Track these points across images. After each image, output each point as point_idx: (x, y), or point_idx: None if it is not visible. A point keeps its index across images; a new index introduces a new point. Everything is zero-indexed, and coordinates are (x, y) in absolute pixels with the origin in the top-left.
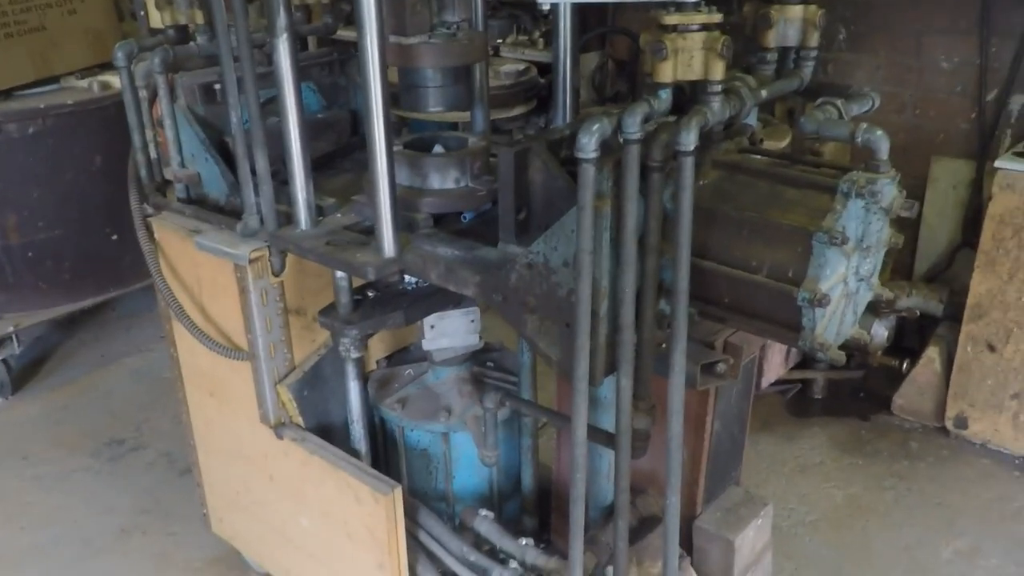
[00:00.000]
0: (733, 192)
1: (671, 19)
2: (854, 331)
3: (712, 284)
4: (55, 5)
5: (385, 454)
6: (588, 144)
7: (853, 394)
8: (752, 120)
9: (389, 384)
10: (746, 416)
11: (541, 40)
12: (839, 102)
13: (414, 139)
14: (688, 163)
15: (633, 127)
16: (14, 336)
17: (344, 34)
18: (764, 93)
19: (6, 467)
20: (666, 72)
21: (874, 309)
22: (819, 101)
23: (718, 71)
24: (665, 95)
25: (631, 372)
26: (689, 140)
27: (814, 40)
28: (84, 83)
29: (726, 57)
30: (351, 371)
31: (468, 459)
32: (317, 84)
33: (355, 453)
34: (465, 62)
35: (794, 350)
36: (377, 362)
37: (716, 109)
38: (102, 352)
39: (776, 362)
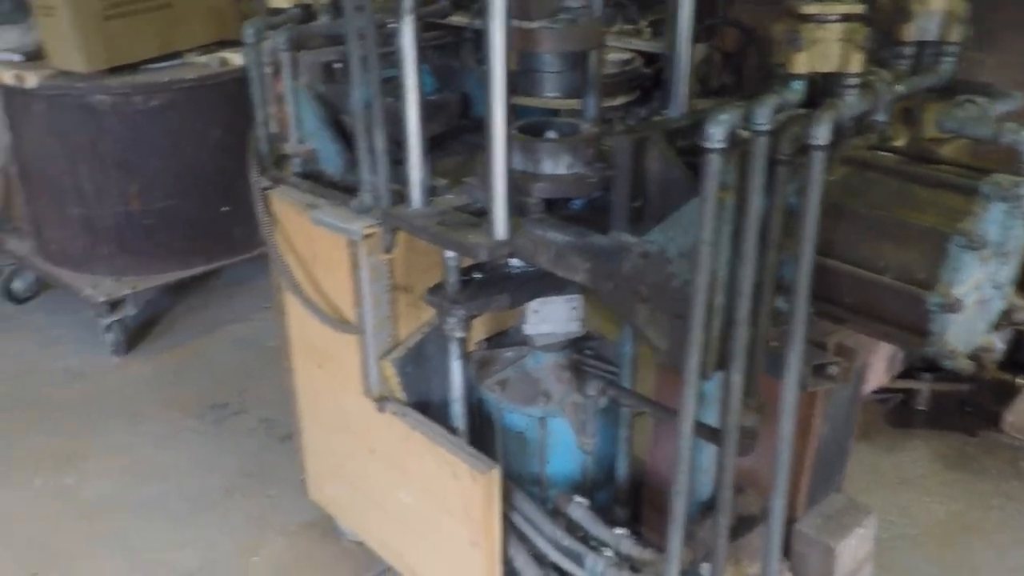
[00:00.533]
0: (862, 189)
1: (810, 8)
2: (983, 340)
3: (834, 283)
4: None
5: (482, 435)
6: (716, 134)
7: (959, 408)
8: (884, 117)
9: (489, 366)
10: (853, 421)
11: (648, 30)
12: (981, 100)
13: (526, 124)
14: (819, 158)
15: (763, 118)
16: (131, 298)
17: (455, 19)
18: (901, 88)
19: (119, 423)
20: (801, 63)
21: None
22: (960, 98)
23: (856, 63)
24: (799, 86)
25: (743, 368)
26: (821, 134)
27: (956, 35)
28: (204, 59)
29: (865, 49)
30: (455, 350)
31: (563, 445)
32: (431, 66)
33: (454, 431)
34: (584, 47)
35: (898, 358)
36: (477, 343)
37: (851, 103)
38: (208, 318)
39: (879, 369)
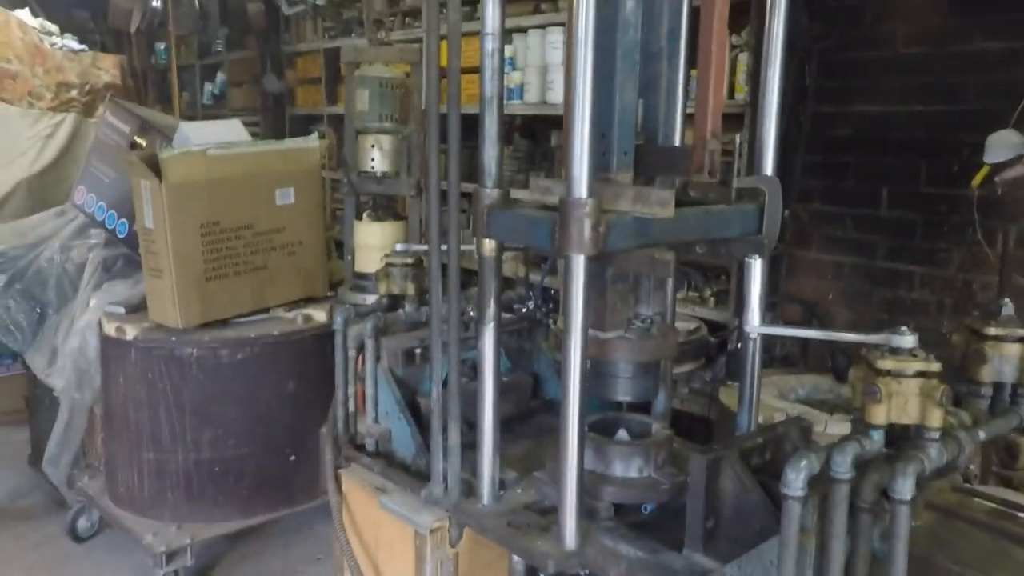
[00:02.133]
0: (950, 540)
1: (885, 364)
2: None
3: None
4: (279, 248)
5: None
6: (795, 481)
7: None
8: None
9: None
10: None
11: (712, 299)
12: None
13: (597, 420)
14: (904, 511)
15: (843, 466)
16: (189, 548)
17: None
18: (982, 435)
19: None
20: (879, 415)
21: None
22: None
23: (936, 419)
24: (877, 436)
25: None
26: (905, 489)
27: None
28: (291, 315)
29: (944, 406)
30: None
31: None
32: (505, 348)
33: None
34: (656, 358)
35: None
36: None
37: (933, 456)
38: (260, 569)
39: None
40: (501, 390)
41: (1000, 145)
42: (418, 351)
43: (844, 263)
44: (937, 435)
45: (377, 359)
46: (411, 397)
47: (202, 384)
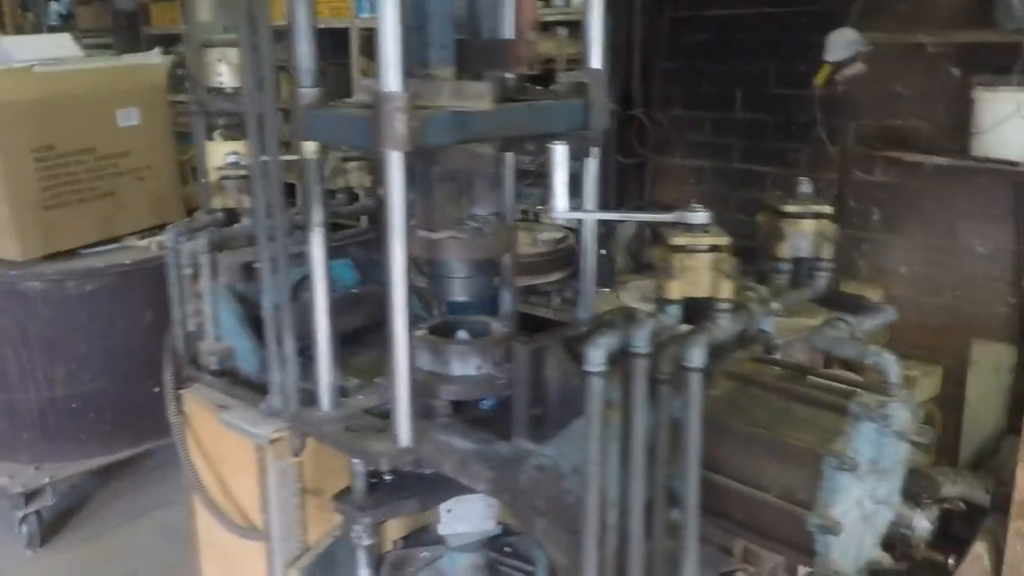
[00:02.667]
0: (744, 405)
1: (679, 240)
2: (876, 554)
3: (725, 499)
4: (127, 173)
5: None
6: (596, 357)
7: None
8: (770, 326)
9: (403, 568)
10: None
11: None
12: (849, 319)
13: (439, 323)
14: (696, 379)
15: (640, 341)
16: (49, 488)
17: None
18: (776, 305)
19: None
20: (674, 290)
21: (915, 499)
22: (828, 318)
23: (725, 290)
24: (674, 311)
25: None
26: (696, 357)
27: (827, 252)
28: (144, 243)
29: (733, 277)
30: (362, 558)
31: None
32: (354, 260)
33: None
34: (490, 256)
35: None
36: (394, 542)
37: (724, 326)
38: (134, 503)
39: None
40: (350, 301)
41: (839, 43)
42: (258, 266)
43: (704, 167)
44: (727, 306)
45: (214, 276)
46: (254, 313)
47: (49, 319)
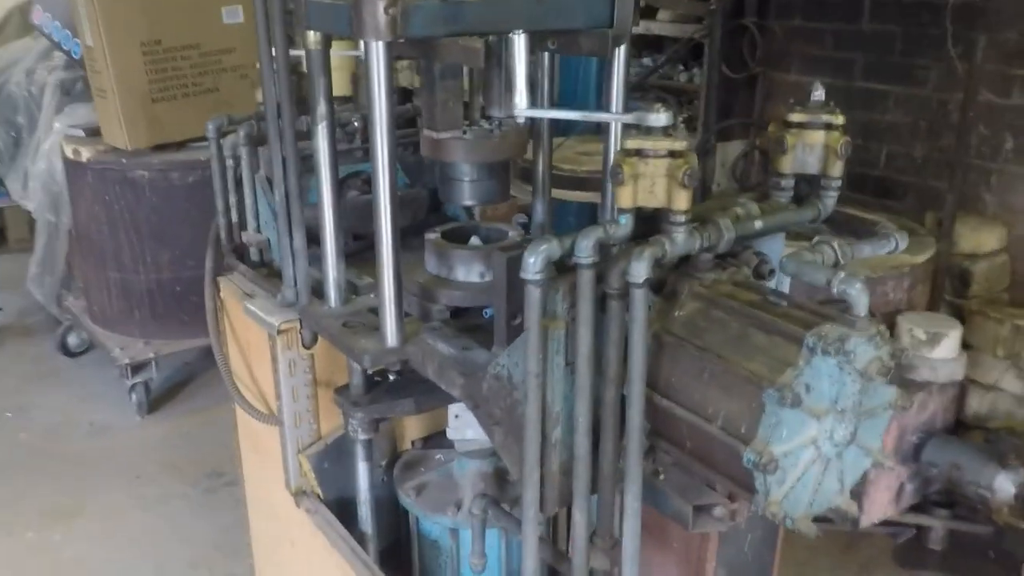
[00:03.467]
0: (704, 328)
1: (634, 143)
2: (841, 501)
3: (673, 426)
4: (230, 70)
5: (408, 537)
6: (534, 264)
7: (980, 553)
8: (777, 248)
9: (415, 467)
10: (769, 566)
11: (682, 126)
12: (836, 243)
13: (454, 228)
14: (639, 295)
15: (585, 251)
16: (154, 362)
17: None
18: (759, 224)
19: (119, 483)
20: (625, 197)
21: (1000, 458)
22: (816, 240)
23: (681, 201)
24: (624, 221)
25: (586, 507)
26: (639, 272)
27: (836, 170)
28: None
29: (689, 187)
30: (360, 452)
31: None
32: (402, 162)
33: (363, 535)
34: (494, 159)
35: (908, 489)
36: (412, 442)
37: (679, 241)
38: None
39: (882, 500)
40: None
41: None
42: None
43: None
44: (683, 219)
45: (254, 169)
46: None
47: (156, 206)
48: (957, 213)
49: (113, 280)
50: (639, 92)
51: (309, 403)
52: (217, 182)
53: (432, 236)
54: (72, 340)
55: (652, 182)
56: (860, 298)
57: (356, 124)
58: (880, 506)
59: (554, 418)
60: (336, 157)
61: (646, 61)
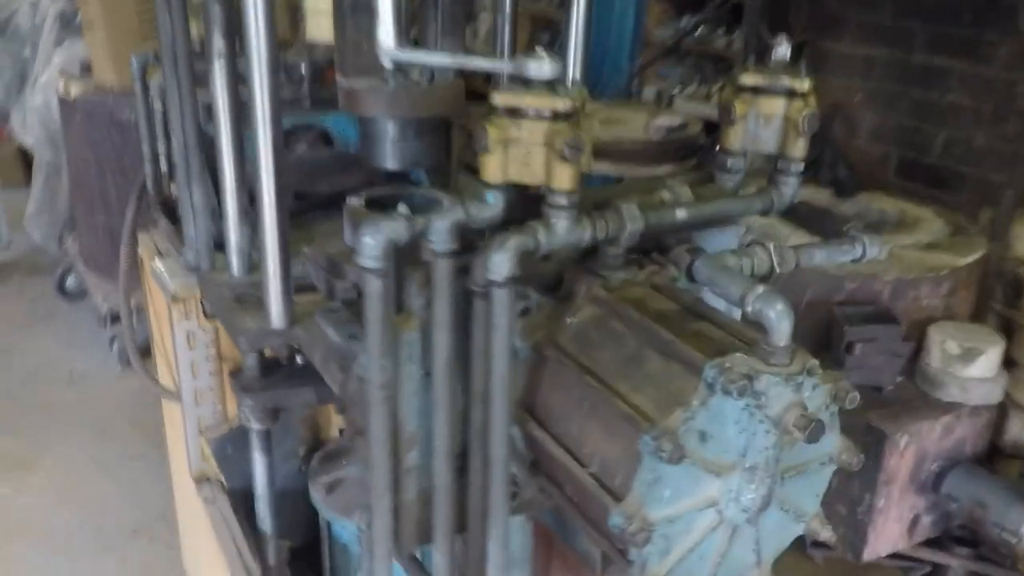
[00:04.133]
0: (595, 343)
1: (504, 99)
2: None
3: (550, 463)
4: None
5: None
6: (373, 247)
7: None
8: (729, 244)
9: (335, 460)
10: None
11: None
12: (774, 246)
13: (384, 193)
14: (500, 297)
15: (439, 236)
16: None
17: None
18: (682, 213)
19: (82, 437)
20: (492, 170)
21: None
22: (748, 240)
23: (564, 179)
24: (493, 199)
25: (448, 548)
26: (500, 267)
27: (797, 149)
28: None
29: (572, 160)
30: (256, 442)
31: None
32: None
33: (261, 533)
34: (420, 115)
35: (922, 522)
36: (341, 431)
37: (560, 229)
38: None
39: (892, 532)
40: (343, 161)
41: None
42: None
43: (876, 57)
44: (564, 201)
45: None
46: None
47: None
48: (1017, 211)
49: (101, 224)
50: (674, 57)
51: (212, 380)
52: (143, 127)
53: (355, 201)
54: (70, 283)
55: (527, 151)
56: (780, 324)
57: (304, 71)
58: (889, 538)
59: (408, 438)
60: (237, 101)
61: (686, 24)
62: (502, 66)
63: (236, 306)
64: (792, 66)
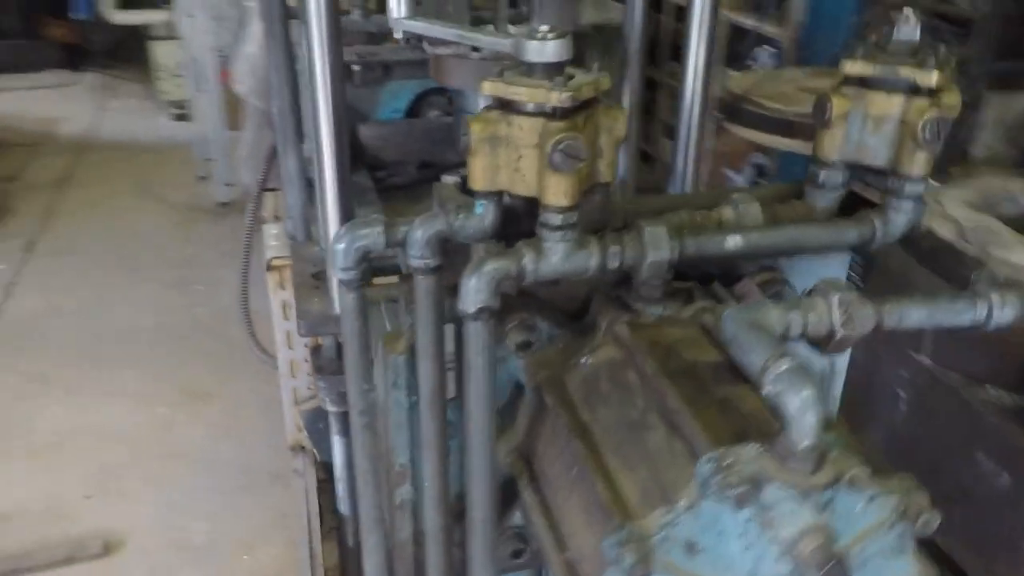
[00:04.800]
0: (604, 394)
1: (493, 87)
2: None
3: (535, 528)
4: None
5: None
6: (345, 256)
7: None
8: (838, 269)
9: None
10: None
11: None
12: (838, 298)
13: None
14: (474, 330)
15: (418, 249)
16: None
17: None
18: (734, 241)
19: (257, 382)
20: (478, 174)
21: None
22: (816, 288)
23: (557, 192)
24: (481, 209)
25: None
26: (474, 296)
27: (917, 165)
28: None
29: (565, 169)
30: (334, 424)
31: None
32: None
33: (340, 515)
34: None
35: None
36: None
37: (554, 255)
38: None
39: None
40: (444, 129)
41: None
42: (356, 68)
43: None
44: (558, 220)
45: None
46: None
47: None
48: None
49: None
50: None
51: (307, 353)
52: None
53: (449, 179)
54: None
55: (517, 154)
56: (802, 417)
57: None
58: None
59: (398, 472)
60: (339, 51)
61: None
62: (501, 43)
63: (311, 283)
64: (924, 51)
